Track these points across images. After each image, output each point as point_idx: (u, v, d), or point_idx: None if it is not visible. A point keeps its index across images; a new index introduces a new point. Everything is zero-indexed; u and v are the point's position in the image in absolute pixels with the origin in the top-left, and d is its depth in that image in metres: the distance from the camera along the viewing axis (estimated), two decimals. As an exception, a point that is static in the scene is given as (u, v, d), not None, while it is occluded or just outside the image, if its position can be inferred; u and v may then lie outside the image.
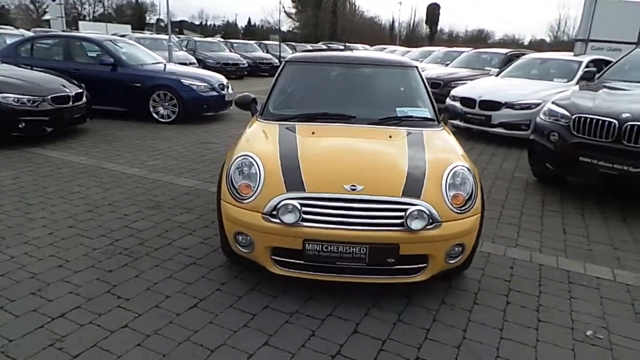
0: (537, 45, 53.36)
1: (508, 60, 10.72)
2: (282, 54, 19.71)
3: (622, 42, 10.16)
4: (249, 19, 75.56)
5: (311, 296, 2.65)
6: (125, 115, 7.80)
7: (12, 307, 2.43)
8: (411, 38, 51.71)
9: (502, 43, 59.04)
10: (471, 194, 2.58)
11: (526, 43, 64.01)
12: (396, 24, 57.54)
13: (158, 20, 65.22)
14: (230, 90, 8.34)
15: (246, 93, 3.79)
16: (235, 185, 2.60)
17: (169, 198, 4.18)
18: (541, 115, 4.81)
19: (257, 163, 2.61)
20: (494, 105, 6.87)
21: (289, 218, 2.39)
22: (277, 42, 22.95)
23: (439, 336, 2.36)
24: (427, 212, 2.38)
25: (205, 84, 7.78)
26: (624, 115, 3.98)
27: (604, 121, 4.06)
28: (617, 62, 5.51)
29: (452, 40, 60.86)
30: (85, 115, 6.53)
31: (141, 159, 5.44)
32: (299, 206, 2.38)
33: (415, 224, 2.37)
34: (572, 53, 9.87)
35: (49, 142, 5.94)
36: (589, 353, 2.29)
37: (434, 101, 3.48)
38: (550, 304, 2.70)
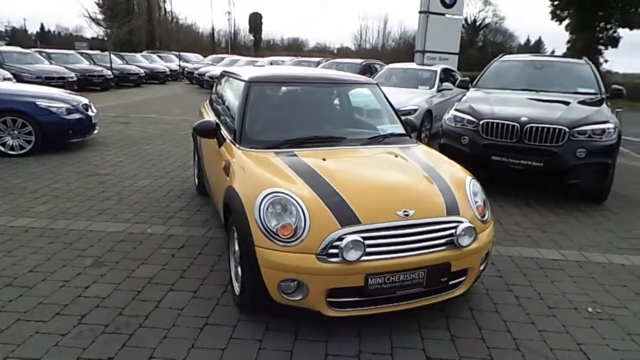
0: (345, 53, 58.65)
1: (363, 69, 11.67)
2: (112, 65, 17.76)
3: (449, 53, 11.99)
4: (42, 24, 64.98)
5: (359, 332, 2.51)
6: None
7: None
8: (234, 46, 51.74)
9: (316, 50, 63.32)
10: (485, 203, 2.78)
11: (336, 51, 69.67)
12: (217, 33, 56.96)
13: None
14: (94, 110, 7.20)
15: (206, 119, 3.35)
16: (272, 228, 2.31)
17: (106, 250, 3.44)
18: (447, 122, 5.39)
19: (293, 199, 2.35)
20: (379, 112, 7.39)
21: (353, 255, 2.23)
22: (97, 51, 20.61)
23: (495, 342, 2.49)
24: (472, 227, 2.48)
25: (67, 105, 6.56)
26: (522, 119, 4.74)
27: (508, 125, 4.77)
28: (483, 72, 6.49)
29: (271, 48, 63.00)
30: None
31: (23, 205, 4.34)
32: (362, 240, 2.23)
33: (465, 241, 2.45)
34: (411, 63, 11.23)
35: None
36: (602, 326, 2.69)
37: (400, 116, 3.61)
38: (545, 291, 3.08)
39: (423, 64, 10.94)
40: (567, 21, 24.10)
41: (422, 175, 2.75)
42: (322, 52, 57.25)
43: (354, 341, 2.44)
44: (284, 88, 3.49)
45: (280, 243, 2.28)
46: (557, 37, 72.44)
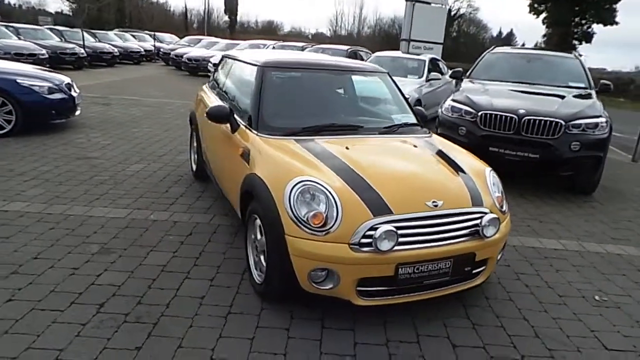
0: (320, 39, 57.88)
1: (349, 56, 11.62)
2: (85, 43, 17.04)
3: (433, 42, 12.08)
4: (1, -4, 60.78)
5: (384, 321, 2.53)
6: None
7: None
8: (208, 28, 50.35)
9: (291, 35, 62.29)
10: (503, 194, 2.83)
11: (310, 36, 68.59)
12: (189, 12, 55.38)
13: None
14: (77, 90, 6.91)
15: (219, 104, 3.25)
16: (303, 217, 2.29)
17: (111, 237, 3.33)
18: (444, 112, 5.44)
19: (325, 188, 2.33)
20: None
21: (386, 245, 2.23)
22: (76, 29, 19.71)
23: (514, 330, 2.56)
24: (497, 218, 2.53)
25: (49, 84, 6.26)
26: (520, 111, 4.83)
27: (506, 116, 4.86)
28: (477, 64, 6.57)
29: (245, 31, 61.66)
30: None
31: (13, 189, 4.14)
32: (395, 230, 2.24)
33: (490, 231, 2.50)
34: (396, 51, 11.24)
35: None
36: (610, 314, 2.80)
37: (411, 105, 3.62)
38: (552, 280, 3.19)
39: (408, 53, 10.98)
40: (544, 15, 24.68)
41: (444, 165, 2.77)
42: (297, 36, 56.33)
43: (380, 329, 2.46)
44: (297, 74, 3.42)
45: (312, 232, 2.26)
46: (528, 29, 74.18)
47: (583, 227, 4.23)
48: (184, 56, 16.63)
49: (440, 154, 2.95)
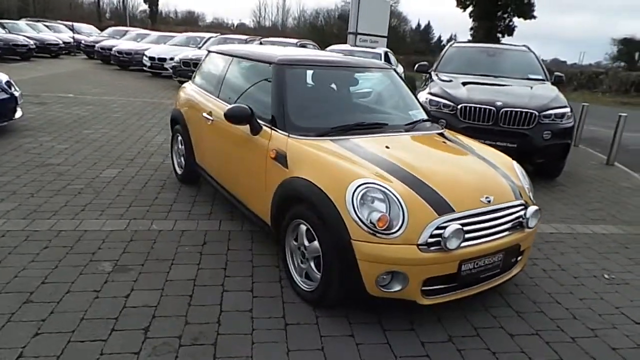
0: (243, 30, 56.43)
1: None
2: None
3: (378, 35, 12.31)
4: None
5: (438, 317, 2.56)
6: None
7: None
8: (125, 18, 47.19)
9: (213, 26, 60.20)
10: (530, 184, 2.96)
11: (233, 27, 66.56)
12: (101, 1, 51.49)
13: None
14: (18, 89, 6.19)
15: (239, 104, 3.04)
16: (368, 220, 2.23)
17: (119, 252, 3.04)
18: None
19: (387, 190, 2.29)
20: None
21: (454, 243, 2.25)
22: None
23: (554, 314, 2.70)
24: (539, 209, 2.64)
25: (-13, 83, 5.56)
26: (498, 103, 5.08)
27: (485, 109, 5.08)
28: (441, 58, 6.79)
29: (165, 21, 58.61)
30: None
31: (-22, 205, 3.64)
32: (462, 228, 2.26)
33: (533, 222, 2.61)
34: (345, 44, 11.33)
35: None
36: (625, 290, 3.05)
37: (419, 100, 3.66)
38: (562, 262, 3.40)
39: (356, 45, 11.10)
40: (470, 8, 26.17)
41: (480, 160, 2.84)
42: (220, 27, 54.59)
43: (439, 326, 2.48)
44: (312, 72, 3.31)
45: (379, 235, 2.22)
46: (441, 20, 77.93)
47: (564, 210, 4.56)
48: (113, 49, 15.49)
49: (468, 148, 3.01)
